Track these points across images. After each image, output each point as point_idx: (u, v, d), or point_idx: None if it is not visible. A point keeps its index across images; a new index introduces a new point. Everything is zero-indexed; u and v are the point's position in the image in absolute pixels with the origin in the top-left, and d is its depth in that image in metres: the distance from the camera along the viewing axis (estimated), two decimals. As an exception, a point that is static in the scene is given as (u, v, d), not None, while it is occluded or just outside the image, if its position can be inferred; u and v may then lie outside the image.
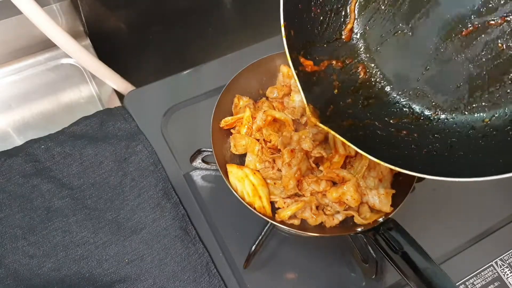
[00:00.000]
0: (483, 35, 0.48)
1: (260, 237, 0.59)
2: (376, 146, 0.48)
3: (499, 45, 0.47)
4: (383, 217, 0.55)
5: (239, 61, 0.65)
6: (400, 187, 0.58)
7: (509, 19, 0.46)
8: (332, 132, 0.47)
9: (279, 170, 0.59)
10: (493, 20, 0.47)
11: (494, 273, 0.61)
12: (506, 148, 0.45)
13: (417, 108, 0.51)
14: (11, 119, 0.75)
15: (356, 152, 0.59)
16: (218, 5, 0.92)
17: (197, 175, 0.66)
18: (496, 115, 0.48)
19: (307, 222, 0.58)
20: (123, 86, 0.75)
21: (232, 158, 0.62)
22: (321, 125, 0.47)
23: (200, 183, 0.66)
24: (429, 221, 0.64)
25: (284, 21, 0.48)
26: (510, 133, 0.46)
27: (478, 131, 0.48)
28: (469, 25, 0.48)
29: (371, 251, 0.57)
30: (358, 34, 0.53)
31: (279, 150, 0.59)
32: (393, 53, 0.52)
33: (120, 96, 0.75)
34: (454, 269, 0.61)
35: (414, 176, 0.56)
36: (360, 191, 0.56)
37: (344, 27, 0.53)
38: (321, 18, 0.52)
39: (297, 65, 0.49)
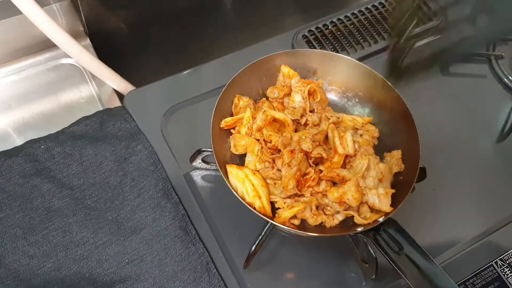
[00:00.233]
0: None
1: (260, 237, 0.59)
2: None
3: None
4: (383, 217, 0.55)
5: (239, 61, 0.65)
6: (400, 187, 0.58)
7: None
8: None
9: (279, 170, 0.59)
10: None
11: (494, 273, 0.61)
12: None
13: None
14: (11, 119, 0.75)
15: (356, 152, 0.60)
16: (218, 5, 0.92)
17: (197, 175, 0.66)
18: None
19: (307, 222, 0.58)
20: (123, 86, 0.75)
21: (232, 158, 0.62)
22: None
23: (200, 183, 0.66)
24: (429, 221, 0.64)
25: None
26: None
27: None
28: None
29: (371, 251, 0.57)
30: None
31: (279, 150, 0.59)
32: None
33: (120, 96, 0.75)
34: (454, 269, 0.61)
35: (414, 176, 0.57)
36: (361, 190, 0.56)
37: None
38: None
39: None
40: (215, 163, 0.57)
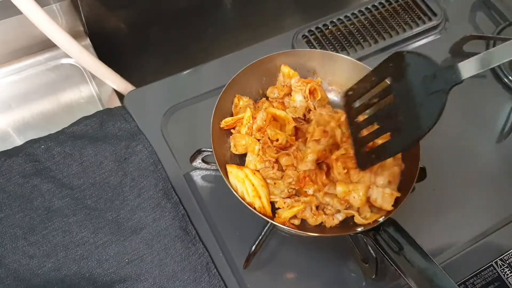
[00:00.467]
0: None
1: (260, 237, 0.59)
2: None
3: None
4: (383, 217, 0.55)
5: (239, 61, 0.65)
6: (400, 187, 0.58)
7: None
8: None
9: (279, 170, 0.59)
10: None
11: (494, 273, 0.61)
12: None
13: None
14: (11, 119, 0.75)
15: None
16: (218, 5, 0.92)
17: (197, 175, 0.66)
18: None
19: (307, 222, 0.58)
20: (123, 86, 0.75)
21: (232, 158, 0.62)
22: None
23: (200, 183, 0.66)
24: (429, 221, 0.64)
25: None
26: None
27: None
28: None
29: (371, 251, 0.57)
30: None
31: (285, 148, 0.59)
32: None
33: (120, 96, 0.75)
34: (454, 269, 0.61)
35: (414, 176, 0.57)
36: (367, 197, 0.56)
37: None
38: None
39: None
40: (215, 163, 0.57)
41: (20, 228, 0.59)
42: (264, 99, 0.66)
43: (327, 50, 0.78)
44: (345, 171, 0.57)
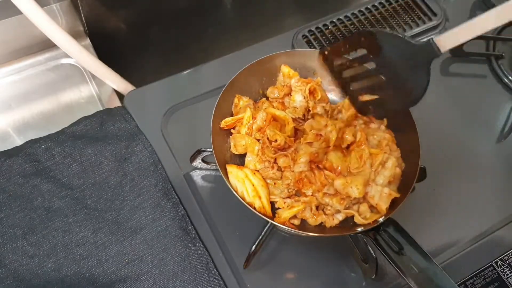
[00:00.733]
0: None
1: (260, 237, 0.59)
2: None
3: None
4: (383, 217, 0.55)
5: (239, 61, 0.65)
6: (400, 187, 0.58)
7: None
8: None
9: (279, 170, 0.59)
10: None
11: (494, 273, 0.61)
12: None
13: None
14: (11, 119, 0.75)
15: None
16: (218, 5, 0.92)
17: (197, 175, 0.66)
18: None
19: (307, 222, 0.58)
20: (123, 86, 0.75)
21: (232, 158, 0.62)
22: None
23: (200, 183, 0.66)
24: (429, 221, 0.64)
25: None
26: None
27: None
28: None
29: (371, 251, 0.57)
30: None
31: (284, 149, 0.59)
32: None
33: (120, 96, 0.75)
34: (454, 269, 0.61)
35: (414, 176, 0.57)
36: (365, 188, 0.56)
37: None
38: None
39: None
40: (215, 163, 0.57)
41: (20, 228, 0.59)
42: (264, 99, 0.66)
43: (327, 50, 0.78)
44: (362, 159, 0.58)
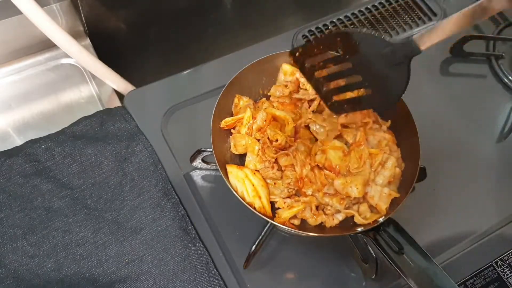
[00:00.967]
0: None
1: (260, 237, 0.59)
2: None
3: None
4: (383, 217, 0.55)
5: (239, 61, 0.65)
6: (400, 187, 0.58)
7: None
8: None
9: (279, 170, 0.59)
10: None
11: (494, 273, 0.61)
12: None
13: None
14: (11, 119, 0.75)
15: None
16: (218, 5, 0.92)
17: (197, 175, 0.66)
18: None
19: (307, 222, 0.58)
20: (123, 86, 0.75)
21: (232, 158, 0.62)
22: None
23: (200, 183, 0.66)
24: (429, 221, 0.64)
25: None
26: None
27: None
28: None
29: (371, 251, 0.57)
30: None
31: (285, 149, 0.59)
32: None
33: (120, 96, 0.75)
34: (454, 269, 0.61)
35: (414, 176, 0.57)
36: (365, 188, 0.56)
37: None
38: None
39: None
40: (215, 163, 0.57)
41: (20, 228, 0.59)
42: (264, 99, 0.66)
43: (327, 50, 0.78)
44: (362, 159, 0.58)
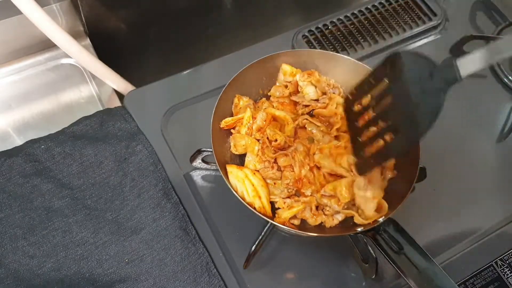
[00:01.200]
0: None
1: (260, 237, 0.59)
2: None
3: None
4: (383, 217, 0.55)
5: (239, 61, 0.65)
6: (400, 187, 0.58)
7: None
8: None
9: (279, 170, 0.59)
10: None
11: (494, 273, 0.61)
12: None
13: None
14: (11, 119, 0.75)
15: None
16: (218, 5, 0.92)
17: (197, 175, 0.66)
18: None
19: (307, 222, 0.58)
20: (123, 86, 0.75)
21: (232, 158, 0.62)
22: None
23: (200, 183, 0.66)
24: (429, 221, 0.64)
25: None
26: None
27: None
28: None
29: (371, 251, 0.57)
30: None
31: (284, 149, 0.59)
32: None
33: (120, 96, 0.75)
34: (454, 269, 0.61)
35: (414, 176, 0.56)
36: (351, 190, 0.56)
37: None
38: None
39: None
40: (215, 163, 0.57)
41: (20, 228, 0.59)
42: (264, 99, 0.66)
43: (327, 50, 0.78)
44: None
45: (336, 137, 0.61)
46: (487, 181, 0.69)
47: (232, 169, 0.58)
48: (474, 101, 0.77)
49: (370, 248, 0.57)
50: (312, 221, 0.57)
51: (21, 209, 0.60)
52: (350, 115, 0.54)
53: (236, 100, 0.64)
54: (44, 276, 0.57)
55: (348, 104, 0.54)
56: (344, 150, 0.58)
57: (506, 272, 0.62)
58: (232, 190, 0.56)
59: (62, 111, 0.77)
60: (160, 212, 0.62)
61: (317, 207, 0.58)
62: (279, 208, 0.58)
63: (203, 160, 0.64)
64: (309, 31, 0.80)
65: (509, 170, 0.70)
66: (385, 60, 0.50)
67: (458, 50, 0.78)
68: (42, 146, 0.64)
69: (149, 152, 0.66)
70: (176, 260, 0.59)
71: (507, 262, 0.62)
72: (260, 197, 0.56)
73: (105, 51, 0.80)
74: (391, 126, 0.48)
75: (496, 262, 0.62)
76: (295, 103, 0.66)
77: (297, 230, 0.56)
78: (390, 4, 0.84)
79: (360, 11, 0.82)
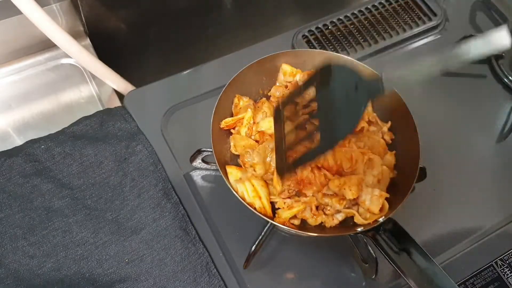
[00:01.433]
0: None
1: (260, 237, 0.59)
2: None
3: None
4: (383, 217, 0.55)
5: (239, 61, 0.65)
6: (400, 187, 0.58)
7: None
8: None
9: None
10: None
11: (494, 273, 0.61)
12: None
13: None
14: (11, 119, 0.75)
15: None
16: (218, 5, 0.92)
17: (197, 175, 0.66)
18: None
19: (307, 222, 0.58)
20: (123, 86, 0.75)
21: (232, 158, 0.62)
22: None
23: (200, 183, 0.66)
24: (429, 221, 0.64)
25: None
26: None
27: None
28: None
29: (371, 251, 0.57)
30: None
31: None
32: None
33: (120, 96, 0.75)
34: (454, 269, 0.61)
35: (414, 176, 0.57)
36: (360, 188, 0.56)
37: None
38: None
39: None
40: (215, 163, 0.57)
41: (20, 228, 0.59)
42: (264, 99, 0.66)
43: (327, 50, 0.78)
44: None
45: None
46: (487, 181, 0.69)
47: (231, 170, 0.58)
48: (474, 101, 0.77)
49: (370, 248, 0.57)
50: (312, 221, 0.58)
51: (21, 209, 0.60)
52: (278, 121, 0.56)
53: (236, 100, 0.64)
54: (44, 276, 0.57)
55: (276, 115, 0.56)
56: (344, 148, 0.58)
57: (506, 272, 0.62)
58: (232, 190, 0.56)
59: (62, 111, 0.77)
60: (160, 212, 0.62)
61: (317, 207, 0.58)
62: (279, 208, 0.58)
63: (203, 160, 0.64)
64: (309, 31, 0.80)
65: (509, 170, 0.70)
66: (316, 70, 0.53)
67: (458, 50, 0.78)
68: (42, 146, 0.64)
69: (149, 152, 0.66)
70: (176, 260, 0.59)
71: (507, 262, 0.62)
72: (260, 197, 0.56)
73: (105, 51, 0.80)
74: (314, 131, 0.51)
75: (496, 262, 0.62)
76: (295, 103, 0.65)
77: (297, 230, 0.56)
78: (390, 4, 0.84)
79: (360, 11, 0.82)
